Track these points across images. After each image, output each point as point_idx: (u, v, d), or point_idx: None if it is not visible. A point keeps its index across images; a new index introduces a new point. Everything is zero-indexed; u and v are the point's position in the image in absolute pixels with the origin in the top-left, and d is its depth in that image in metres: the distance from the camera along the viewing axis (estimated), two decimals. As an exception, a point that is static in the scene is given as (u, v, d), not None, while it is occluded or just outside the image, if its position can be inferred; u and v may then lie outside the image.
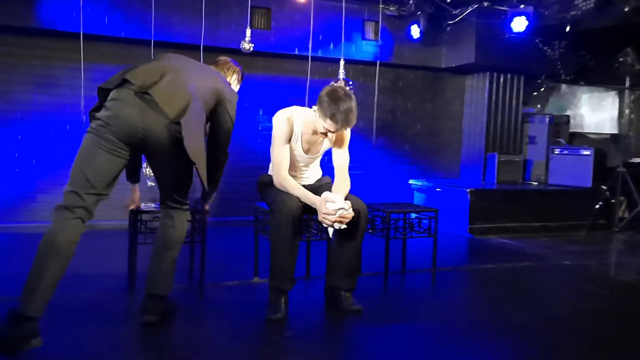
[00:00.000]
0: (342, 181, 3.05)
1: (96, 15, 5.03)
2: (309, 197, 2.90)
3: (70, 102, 5.20)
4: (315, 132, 3.05)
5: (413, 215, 3.68)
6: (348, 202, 2.85)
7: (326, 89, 2.90)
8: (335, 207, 2.78)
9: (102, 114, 2.41)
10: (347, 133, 3.11)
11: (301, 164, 3.17)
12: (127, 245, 3.17)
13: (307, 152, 3.10)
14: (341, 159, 3.11)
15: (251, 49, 4.72)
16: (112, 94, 2.43)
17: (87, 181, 2.35)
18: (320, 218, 2.84)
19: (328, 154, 3.28)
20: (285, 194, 2.91)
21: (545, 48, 6.45)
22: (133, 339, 2.57)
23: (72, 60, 4.96)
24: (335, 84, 3.18)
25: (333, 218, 2.78)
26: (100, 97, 2.49)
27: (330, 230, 2.91)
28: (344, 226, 2.82)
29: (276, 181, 2.98)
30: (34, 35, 5.09)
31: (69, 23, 4.92)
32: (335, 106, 2.80)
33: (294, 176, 3.08)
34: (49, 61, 5.21)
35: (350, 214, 2.81)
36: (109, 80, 2.48)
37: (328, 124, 2.86)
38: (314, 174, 3.29)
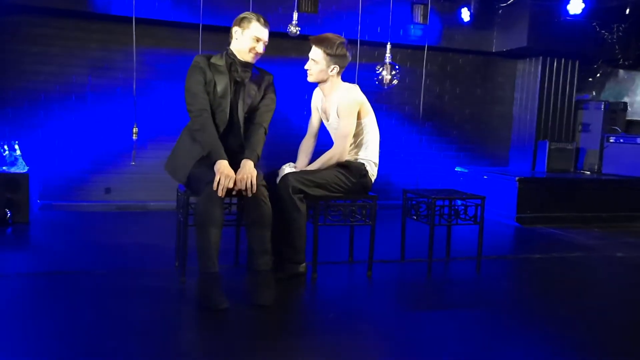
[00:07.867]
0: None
1: (147, -1, 5.14)
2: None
3: (123, 85, 5.35)
4: (328, 94, 3.30)
5: (459, 202, 3.63)
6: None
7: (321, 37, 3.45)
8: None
9: None
10: (340, 99, 3.27)
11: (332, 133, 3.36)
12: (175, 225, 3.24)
13: (327, 119, 3.35)
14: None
15: (298, 32, 4.71)
16: None
17: None
18: None
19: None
20: None
21: (603, 31, 6.18)
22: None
23: (125, 44, 5.09)
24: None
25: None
26: None
27: None
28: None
29: None
30: (90, 20, 5.25)
31: (122, 7, 5.04)
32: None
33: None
34: (105, 45, 5.35)
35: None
36: None
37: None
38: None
